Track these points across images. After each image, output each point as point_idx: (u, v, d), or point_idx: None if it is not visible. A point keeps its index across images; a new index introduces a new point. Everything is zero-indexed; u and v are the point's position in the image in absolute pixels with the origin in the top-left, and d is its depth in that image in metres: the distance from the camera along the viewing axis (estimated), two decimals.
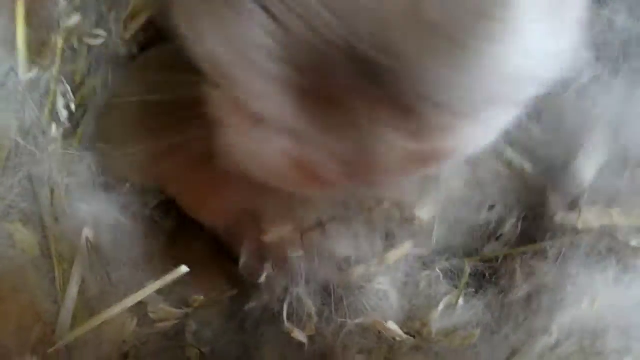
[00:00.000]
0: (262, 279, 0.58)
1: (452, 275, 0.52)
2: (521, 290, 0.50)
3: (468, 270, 0.49)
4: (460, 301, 0.48)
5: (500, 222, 0.56)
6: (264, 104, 0.37)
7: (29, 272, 0.48)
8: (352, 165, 0.38)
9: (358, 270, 0.54)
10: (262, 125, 0.39)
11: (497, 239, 0.57)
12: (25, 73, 0.54)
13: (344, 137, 0.36)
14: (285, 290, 0.58)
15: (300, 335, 0.55)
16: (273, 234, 0.58)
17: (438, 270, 0.52)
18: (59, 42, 0.62)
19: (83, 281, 0.52)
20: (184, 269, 0.51)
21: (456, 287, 0.50)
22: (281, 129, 0.38)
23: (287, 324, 0.55)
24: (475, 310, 0.48)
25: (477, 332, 0.46)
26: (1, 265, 0.46)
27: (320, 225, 0.56)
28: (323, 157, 0.38)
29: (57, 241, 0.52)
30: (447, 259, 0.53)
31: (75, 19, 0.65)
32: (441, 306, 0.47)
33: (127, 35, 0.70)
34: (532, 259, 0.52)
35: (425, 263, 0.54)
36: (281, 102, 0.37)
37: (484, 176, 0.56)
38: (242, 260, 0.60)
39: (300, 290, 0.57)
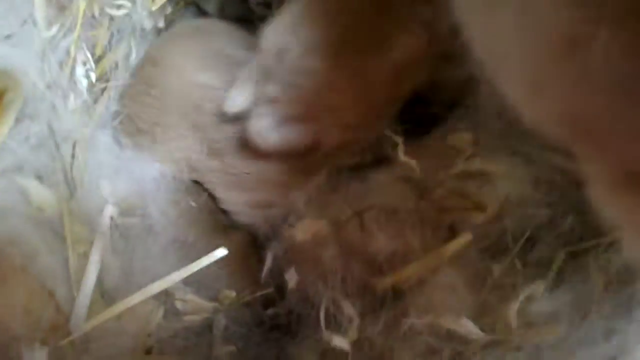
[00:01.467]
0: (292, 284, 0.50)
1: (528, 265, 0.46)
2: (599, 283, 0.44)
3: (562, 256, 0.43)
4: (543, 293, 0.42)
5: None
6: None
7: (42, 242, 0.40)
8: None
9: (410, 267, 0.47)
10: None
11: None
12: (45, 28, 0.48)
13: None
14: (320, 294, 0.50)
15: (341, 342, 0.48)
16: (304, 231, 0.51)
17: (517, 261, 0.45)
18: (81, 4, 0.56)
19: (102, 265, 0.45)
20: (221, 251, 0.44)
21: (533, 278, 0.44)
22: None
23: (325, 332, 0.48)
24: (558, 302, 0.41)
25: (562, 326, 0.39)
26: (13, 223, 0.39)
27: (358, 216, 0.50)
28: None
29: (74, 217, 0.45)
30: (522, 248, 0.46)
31: None
32: (521, 298, 0.41)
33: (155, 6, 0.64)
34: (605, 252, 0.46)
35: (495, 253, 0.47)
36: None
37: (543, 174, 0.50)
38: (266, 266, 0.52)
39: (336, 293, 0.50)
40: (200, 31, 0.61)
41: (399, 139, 0.48)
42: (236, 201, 0.56)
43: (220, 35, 0.60)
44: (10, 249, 0.38)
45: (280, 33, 0.50)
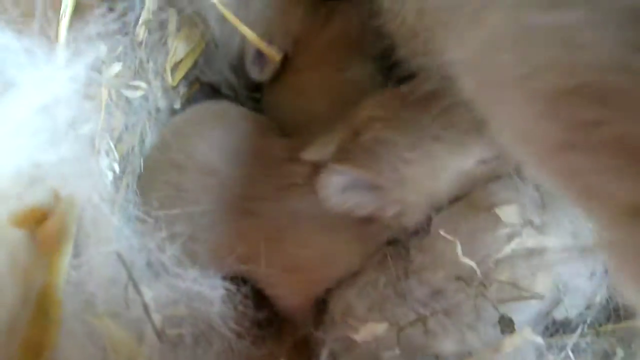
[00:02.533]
0: None
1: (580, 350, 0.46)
2: None
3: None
4: None
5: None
6: None
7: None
8: None
9: None
10: None
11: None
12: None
13: None
14: None
15: None
16: (365, 332, 0.49)
17: (569, 351, 0.45)
18: (104, 93, 0.54)
19: None
20: None
21: None
22: None
23: None
24: None
25: None
26: None
27: (421, 320, 0.48)
28: None
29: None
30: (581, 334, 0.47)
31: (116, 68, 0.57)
32: None
33: (174, 83, 0.62)
34: None
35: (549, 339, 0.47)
36: None
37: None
38: None
39: None
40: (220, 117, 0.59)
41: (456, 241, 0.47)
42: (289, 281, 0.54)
43: (239, 122, 0.59)
44: None
45: None
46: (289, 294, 0.53)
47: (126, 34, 0.57)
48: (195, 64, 0.64)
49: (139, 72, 0.60)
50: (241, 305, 0.46)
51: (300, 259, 0.52)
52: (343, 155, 0.48)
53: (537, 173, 0.32)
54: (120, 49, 0.57)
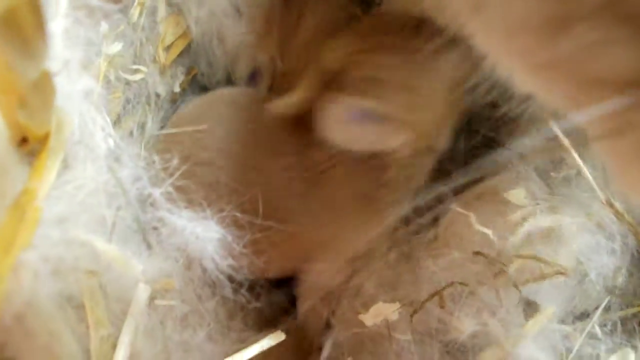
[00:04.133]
0: None
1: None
2: None
3: None
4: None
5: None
6: None
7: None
8: None
9: (493, 350, 0.42)
10: None
11: None
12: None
13: None
14: None
15: None
16: (375, 313, 0.45)
17: (596, 327, 0.41)
18: (102, 65, 0.52)
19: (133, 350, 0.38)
20: (278, 336, 0.38)
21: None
22: None
23: None
24: None
25: None
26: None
27: (437, 294, 0.44)
28: None
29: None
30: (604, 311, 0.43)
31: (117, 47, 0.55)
32: None
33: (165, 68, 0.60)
34: None
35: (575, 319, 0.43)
36: None
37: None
38: (324, 354, 0.46)
39: None
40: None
41: (472, 215, 0.44)
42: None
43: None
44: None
45: None
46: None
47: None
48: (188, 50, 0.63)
49: (137, 55, 0.59)
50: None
51: None
52: (341, 87, 0.45)
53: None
54: (121, 27, 0.55)
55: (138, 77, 0.58)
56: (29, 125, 0.27)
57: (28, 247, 0.26)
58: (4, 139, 0.27)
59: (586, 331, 0.44)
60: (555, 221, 0.46)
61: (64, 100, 0.34)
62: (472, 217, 0.44)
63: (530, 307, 0.43)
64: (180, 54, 0.63)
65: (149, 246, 0.41)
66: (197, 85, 0.67)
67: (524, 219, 0.46)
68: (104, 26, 0.54)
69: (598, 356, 0.41)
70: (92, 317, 0.38)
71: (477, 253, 0.44)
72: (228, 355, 0.37)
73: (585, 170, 0.44)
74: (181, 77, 0.64)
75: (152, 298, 0.39)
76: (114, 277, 0.38)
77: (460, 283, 0.42)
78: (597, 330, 0.42)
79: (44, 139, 0.29)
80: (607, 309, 0.44)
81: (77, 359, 0.36)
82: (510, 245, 0.44)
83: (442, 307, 0.42)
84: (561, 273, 0.43)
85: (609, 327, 0.43)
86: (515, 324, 0.43)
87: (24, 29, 0.24)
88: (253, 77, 0.59)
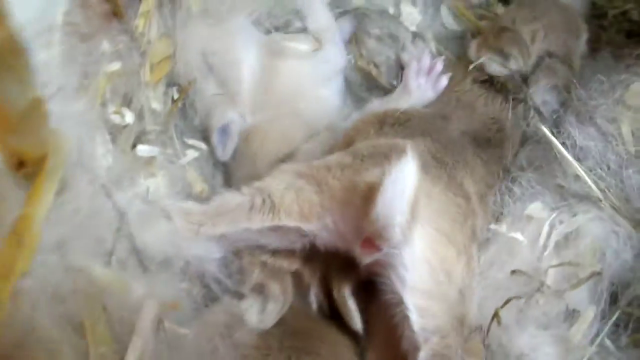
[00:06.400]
0: None
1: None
2: None
3: None
4: None
5: None
6: None
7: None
8: None
9: None
10: None
11: None
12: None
13: None
14: None
15: None
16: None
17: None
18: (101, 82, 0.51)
19: None
20: None
21: None
22: None
23: None
24: None
25: None
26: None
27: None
28: None
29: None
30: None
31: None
32: None
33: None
34: None
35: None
36: None
37: None
38: None
39: None
40: None
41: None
42: None
43: None
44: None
45: None
46: None
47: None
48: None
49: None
50: None
51: None
52: None
53: None
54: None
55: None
56: (23, 149, 0.26)
57: (27, 274, 0.25)
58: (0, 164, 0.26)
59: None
60: (574, 224, 0.46)
61: (61, 122, 0.34)
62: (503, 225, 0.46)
63: (571, 315, 0.44)
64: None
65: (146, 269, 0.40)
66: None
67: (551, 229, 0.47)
68: (105, 45, 0.54)
69: None
70: (91, 335, 0.37)
71: (515, 272, 0.44)
72: None
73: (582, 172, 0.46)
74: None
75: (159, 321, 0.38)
76: (115, 299, 0.37)
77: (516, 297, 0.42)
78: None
79: (41, 162, 0.28)
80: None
81: None
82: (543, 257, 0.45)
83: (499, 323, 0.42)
84: (598, 273, 0.43)
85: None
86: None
87: (6, 60, 0.23)
88: (223, 132, 0.59)
